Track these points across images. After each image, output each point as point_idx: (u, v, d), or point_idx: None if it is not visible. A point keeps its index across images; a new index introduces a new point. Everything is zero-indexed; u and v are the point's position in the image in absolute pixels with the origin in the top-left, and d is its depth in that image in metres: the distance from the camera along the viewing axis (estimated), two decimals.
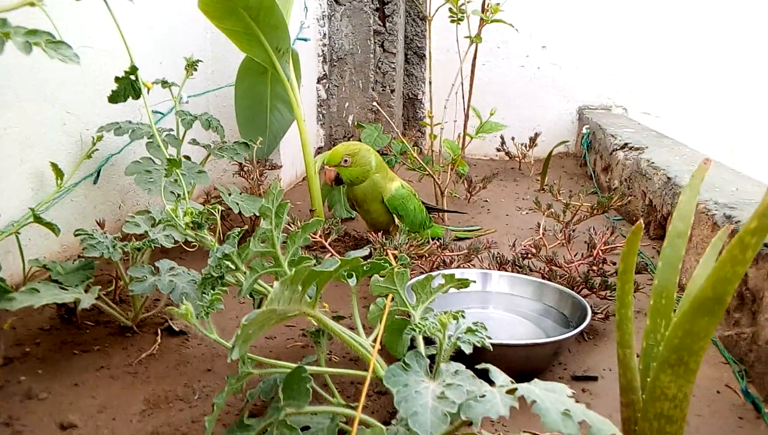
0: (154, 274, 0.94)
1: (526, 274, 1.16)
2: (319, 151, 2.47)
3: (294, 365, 0.66)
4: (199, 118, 1.43)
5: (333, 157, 1.27)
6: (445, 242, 1.13)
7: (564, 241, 1.29)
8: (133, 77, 0.94)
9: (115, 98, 0.94)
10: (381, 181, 1.31)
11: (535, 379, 0.58)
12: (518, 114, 2.79)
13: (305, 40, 2.12)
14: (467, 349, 0.57)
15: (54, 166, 1.21)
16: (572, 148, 2.80)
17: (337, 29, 2.41)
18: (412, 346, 0.68)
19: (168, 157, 0.91)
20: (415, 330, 0.58)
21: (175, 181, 1.23)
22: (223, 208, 1.54)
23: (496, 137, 2.74)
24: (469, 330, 0.60)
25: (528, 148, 2.50)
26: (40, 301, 0.84)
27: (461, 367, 0.55)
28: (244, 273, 0.82)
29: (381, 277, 0.75)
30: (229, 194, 1.44)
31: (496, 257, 1.21)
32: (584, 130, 2.46)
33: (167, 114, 1.64)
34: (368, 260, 1.02)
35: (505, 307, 1.06)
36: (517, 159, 2.58)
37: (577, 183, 2.34)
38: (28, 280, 1.16)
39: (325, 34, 2.40)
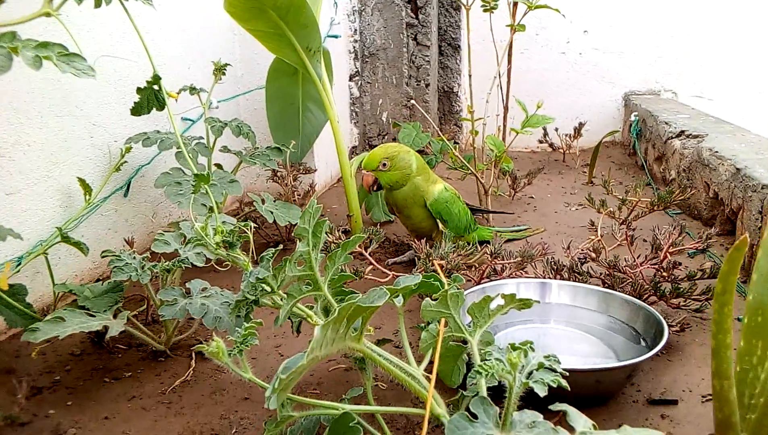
0: (185, 296, 0.88)
1: (586, 281, 1.06)
2: (354, 150, 2.40)
3: (338, 406, 0.58)
4: (229, 125, 1.37)
5: (370, 161, 1.18)
6: (495, 249, 1.04)
7: (625, 242, 1.18)
8: (156, 87, 0.87)
9: (138, 111, 0.88)
10: (423, 184, 1.22)
11: (625, 426, 0.49)
12: (560, 103, 2.65)
13: (336, 37, 2.05)
14: (542, 392, 0.49)
15: (82, 181, 1.16)
16: (618, 136, 2.65)
17: (368, 24, 2.32)
18: (469, 374, 0.60)
19: (196, 171, 0.84)
20: (480, 373, 0.49)
21: (206, 192, 1.17)
22: (256, 217, 1.48)
23: (538, 128, 2.63)
24: (541, 366, 0.51)
25: (572, 139, 2.37)
26: (66, 331, 0.79)
27: (538, 416, 0.46)
28: (281, 297, 0.74)
29: (433, 299, 0.67)
30: (263, 202, 1.38)
31: (551, 263, 1.11)
32: (632, 118, 2.31)
33: (197, 121, 1.58)
34: (413, 272, 0.94)
35: (567, 321, 0.96)
36: (561, 150, 2.45)
37: (627, 174, 2.20)
38: (59, 300, 1.13)
39: (356, 30, 2.32)
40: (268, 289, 0.76)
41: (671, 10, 2.57)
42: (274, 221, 1.33)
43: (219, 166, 1.45)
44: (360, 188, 1.57)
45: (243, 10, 1.28)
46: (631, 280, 1.08)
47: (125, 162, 1.29)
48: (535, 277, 1.07)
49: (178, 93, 1.38)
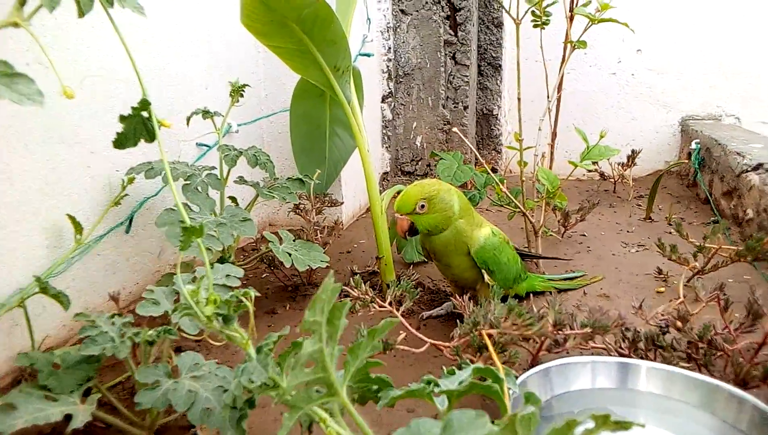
0: (170, 376, 0.70)
1: (673, 360, 0.85)
2: (385, 176, 2.22)
3: None
4: (244, 154, 1.21)
5: (405, 203, 1.00)
6: (556, 318, 0.84)
7: (714, 304, 0.97)
8: (145, 114, 0.71)
9: (122, 143, 0.72)
10: (466, 228, 1.02)
11: None
12: (609, 128, 2.38)
13: (368, 55, 1.89)
14: None
15: (71, 218, 1.01)
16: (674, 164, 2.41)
17: (404, 41, 2.16)
18: None
19: (188, 223, 0.67)
20: None
21: (214, 235, 1.01)
22: (273, 256, 1.31)
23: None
24: None
25: (625, 168, 2.15)
26: (14, 424, 0.62)
27: None
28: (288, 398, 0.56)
29: (493, 422, 0.48)
30: (280, 241, 1.21)
31: (624, 331, 0.91)
32: (693, 145, 2.08)
33: (213, 147, 1.43)
34: (453, 336, 0.76)
35: (660, 420, 0.75)
36: (612, 180, 2.23)
37: (687, 208, 1.97)
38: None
39: (390, 48, 2.15)
40: (271, 383, 0.57)
41: (734, 28, 2.34)
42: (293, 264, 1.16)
43: (234, 199, 1.29)
44: (391, 224, 1.39)
45: (262, 24, 1.12)
46: (726, 356, 0.87)
47: (126, 195, 1.14)
48: (606, 352, 0.87)
49: (189, 117, 1.23)
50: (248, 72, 1.64)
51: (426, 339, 0.87)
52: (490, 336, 0.82)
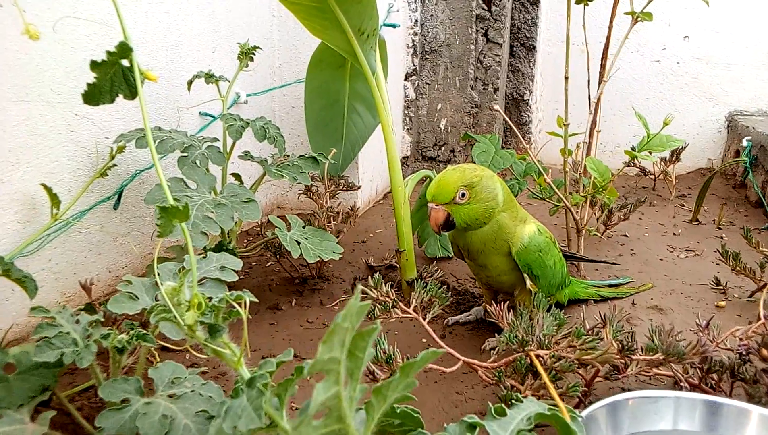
0: (142, 392, 0.56)
1: (757, 395, 0.69)
2: (404, 162, 2.07)
3: None
4: (251, 125, 1.06)
5: (443, 191, 0.82)
6: (624, 342, 0.68)
7: None
8: (125, 62, 0.56)
9: (94, 96, 0.57)
10: (509, 223, 0.87)
11: None
12: (648, 119, 2.26)
13: (394, 26, 1.72)
14: None
15: (47, 189, 0.87)
16: (717, 163, 2.23)
17: (432, 14, 1.99)
18: None
19: (171, 203, 0.52)
20: None
21: (211, 218, 0.86)
22: (280, 243, 1.16)
23: (620, 147, 2.27)
24: None
25: (669, 164, 1.97)
26: None
27: None
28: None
29: None
30: (288, 228, 1.07)
31: (694, 357, 0.75)
32: (745, 143, 1.90)
33: (218, 117, 1.28)
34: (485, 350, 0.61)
35: None
36: (651, 176, 2.06)
37: (736, 211, 1.80)
38: (5, 347, 0.83)
39: (416, 21, 1.99)
40: (267, 421, 0.43)
41: None
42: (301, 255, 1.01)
43: (237, 176, 1.14)
44: (414, 214, 1.23)
45: None
46: None
47: (114, 165, 0.99)
48: (675, 381, 0.71)
49: (190, 81, 1.08)
50: (261, 37, 1.48)
51: (458, 356, 0.72)
52: (537, 357, 0.67)
